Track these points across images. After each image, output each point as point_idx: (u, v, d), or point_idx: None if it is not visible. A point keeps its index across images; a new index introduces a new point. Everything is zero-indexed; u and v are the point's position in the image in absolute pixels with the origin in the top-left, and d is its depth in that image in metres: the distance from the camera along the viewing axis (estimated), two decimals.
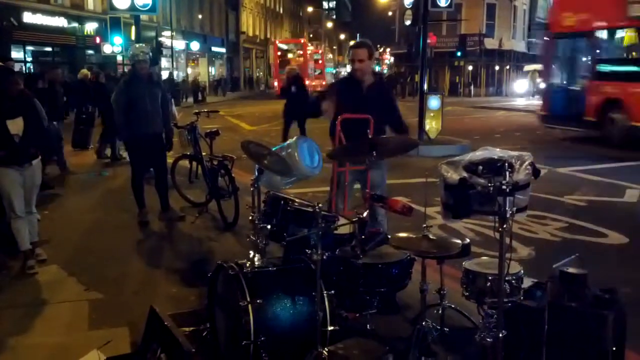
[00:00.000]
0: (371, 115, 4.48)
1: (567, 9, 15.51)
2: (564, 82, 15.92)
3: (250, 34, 59.20)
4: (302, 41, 44.49)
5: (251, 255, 3.53)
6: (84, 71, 13.94)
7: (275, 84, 39.47)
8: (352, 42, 4.81)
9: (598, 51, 14.42)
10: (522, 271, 2.94)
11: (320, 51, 51.10)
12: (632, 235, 6.57)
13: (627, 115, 12.96)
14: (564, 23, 15.36)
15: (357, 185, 4.92)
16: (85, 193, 9.04)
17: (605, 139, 13.55)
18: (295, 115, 12.38)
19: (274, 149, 3.97)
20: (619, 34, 14.06)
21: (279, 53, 42.08)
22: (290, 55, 41.20)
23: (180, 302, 4.58)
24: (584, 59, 15.14)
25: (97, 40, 28.17)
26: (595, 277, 3.24)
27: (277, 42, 45.88)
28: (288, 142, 4.26)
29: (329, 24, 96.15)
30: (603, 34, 14.42)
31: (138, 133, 6.82)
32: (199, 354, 3.28)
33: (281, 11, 71.99)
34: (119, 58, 26.59)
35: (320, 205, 3.13)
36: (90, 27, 29.69)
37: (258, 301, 3.19)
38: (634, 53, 13.60)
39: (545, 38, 17.77)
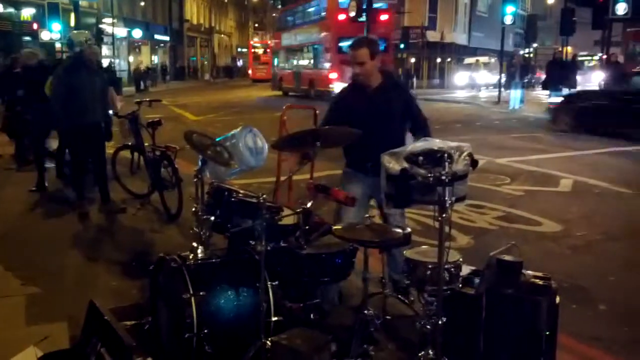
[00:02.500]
0: (382, 123, 4.12)
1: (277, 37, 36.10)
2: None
3: (195, 22, 58.26)
4: (268, 42, 58.99)
5: (194, 247, 3.50)
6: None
7: (250, 72, 54.86)
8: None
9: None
10: (460, 259, 3.03)
11: None
12: (566, 223, 6.84)
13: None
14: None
15: (304, 176, 4.90)
16: (22, 184, 8.74)
17: None
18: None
19: (218, 139, 3.94)
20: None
21: (253, 50, 55.57)
22: (260, 52, 54.25)
23: (122, 296, 4.50)
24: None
25: (35, 26, 27.14)
26: (530, 265, 3.36)
27: (251, 42, 63.14)
28: (232, 132, 4.23)
29: (275, 14, 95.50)
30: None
31: (78, 122, 6.63)
32: (141, 348, 3.23)
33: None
34: (58, 45, 25.74)
35: (264, 196, 3.13)
36: (27, 12, 28.56)
37: (201, 293, 3.17)
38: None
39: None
